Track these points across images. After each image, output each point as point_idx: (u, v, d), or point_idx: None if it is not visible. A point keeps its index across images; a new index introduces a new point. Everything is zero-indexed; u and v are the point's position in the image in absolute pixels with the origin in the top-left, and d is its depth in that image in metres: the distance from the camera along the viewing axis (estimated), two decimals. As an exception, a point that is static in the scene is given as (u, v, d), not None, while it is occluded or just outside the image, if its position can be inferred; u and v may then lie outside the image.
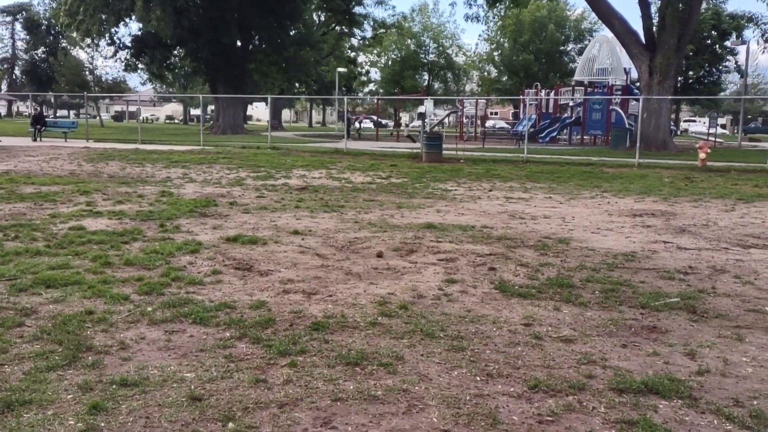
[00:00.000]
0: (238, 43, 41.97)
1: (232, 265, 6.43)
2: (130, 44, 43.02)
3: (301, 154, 23.51)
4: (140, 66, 45.62)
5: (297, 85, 55.27)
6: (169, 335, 4.46)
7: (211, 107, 67.61)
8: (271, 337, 4.44)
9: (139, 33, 41.70)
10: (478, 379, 3.85)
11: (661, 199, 12.63)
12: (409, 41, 68.33)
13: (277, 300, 5.31)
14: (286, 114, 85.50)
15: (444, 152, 21.90)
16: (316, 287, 5.73)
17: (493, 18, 55.31)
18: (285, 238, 7.90)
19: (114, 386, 3.62)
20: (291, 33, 42.75)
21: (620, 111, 34.54)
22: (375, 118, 53.78)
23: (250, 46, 43.22)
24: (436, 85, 70.30)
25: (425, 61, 69.71)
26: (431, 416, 3.36)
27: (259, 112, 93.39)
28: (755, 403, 3.59)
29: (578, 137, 37.44)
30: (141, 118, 42.84)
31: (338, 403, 3.48)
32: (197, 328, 4.60)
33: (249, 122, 71.78)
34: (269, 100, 30.60)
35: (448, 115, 45.71)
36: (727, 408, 3.51)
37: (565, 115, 38.91)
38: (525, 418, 3.38)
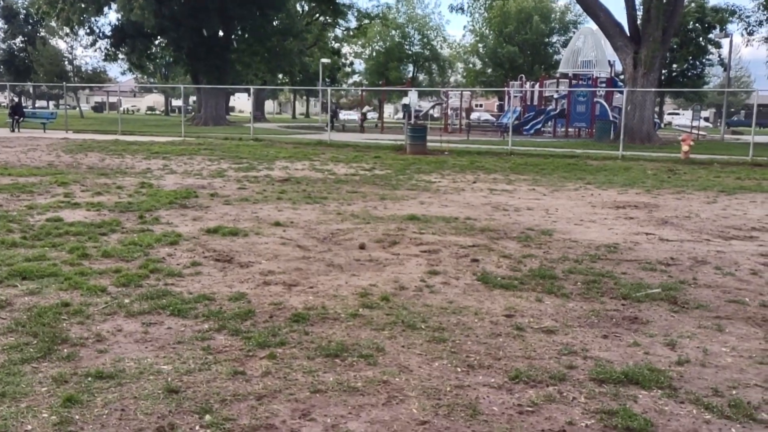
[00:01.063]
0: (220, 33, 41.57)
1: (212, 257, 6.36)
2: (109, 34, 42.47)
3: (284, 146, 23.38)
4: (120, 56, 45.08)
5: (280, 75, 54.96)
6: (147, 327, 4.39)
7: (192, 98, 67.12)
8: (251, 329, 4.39)
9: (119, 22, 41.18)
10: (459, 370, 3.83)
11: (644, 191, 12.68)
12: (393, 32, 68.14)
13: (257, 292, 5.25)
14: (270, 105, 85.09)
15: (428, 144, 21.86)
16: (297, 279, 5.68)
17: (479, 9, 55.28)
18: (266, 230, 7.83)
19: (89, 379, 3.56)
20: (274, 23, 42.40)
21: (604, 103, 34.68)
22: (367, 109, 53.44)
23: (233, 36, 42.84)
24: (421, 76, 70.20)
25: (410, 52, 69.60)
26: (411, 407, 3.34)
27: (241, 103, 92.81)
28: (734, 392, 3.59)
29: (563, 129, 37.57)
30: (121, 109, 42.40)
31: (317, 395, 3.44)
32: (175, 320, 4.54)
33: (231, 113, 71.35)
34: (252, 90, 30.40)
35: (433, 107, 45.69)
36: (706, 398, 3.51)
37: (550, 107, 39.01)
38: (505, 408, 3.36)
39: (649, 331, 4.59)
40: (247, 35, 43.01)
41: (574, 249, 7.21)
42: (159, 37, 42.39)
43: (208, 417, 3.16)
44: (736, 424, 3.23)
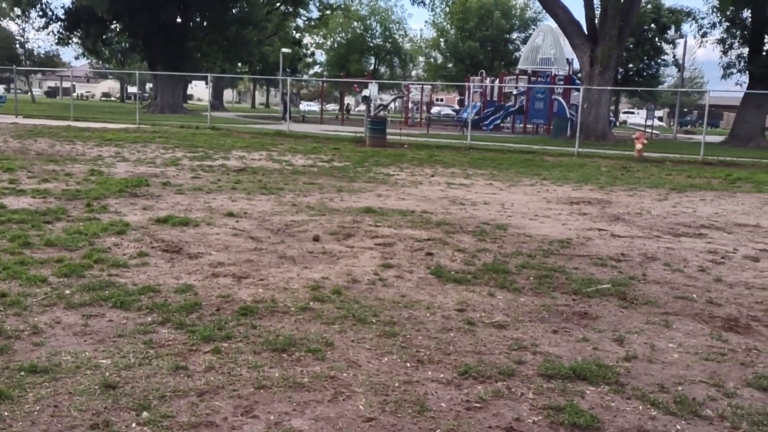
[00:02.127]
0: (178, 20, 40.70)
1: (160, 247, 6.19)
2: (63, 17, 41.21)
3: (242, 135, 23.04)
4: (74, 40, 43.81)
5: (239, 64, 54.14)
6: (87, 320, 4.23)
7: (149, 85, 65.73)
8: (196, 322, 4.26)
9: (72, 5, 39.98)
10: (408, 365, 3.78)
11: (597, 188, 12.85)
12: (355, 24, 67.76)
13: (204, 284, 5.12)
14: (229, 94, 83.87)
15: (388, 137, 21.80)
16: (248, 271, 5.56)
17: (440, 4, 55.34)
18: (218, 220, 7.66)
19: (22, 373, 3.40)
20: (233, 11, 41.71)
21: (562, 101, 35.10)
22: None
23: (191, 24, 42.00)
24: (382, 69, 70.00)
25: (372, 44, 69.30)
26: (358, 404, 3.27)
27: (199, 91, 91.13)
28: (680, 389, 3.62)
29: (521, 125, 37.91)
30: (75, 94, 41.26)
31: (261, 391, 3.35)
32: (117, 313, 4.38)
33: (189, 102, 70.13)
34: (210, 79, 29.88)
35: (393, 100, 45.61)
36: (652, 394, 3.53)
37: (509, 103, 39.30)
38: (453, 404, 3.32)
39: (599, 326, 4.61)
40: (205, 23, 42.20)
41: (528, 244, 7.24)
42: (115, 23, 41.29)
43: (145, 414, 3.04)
44: (681, 420, 3.25)
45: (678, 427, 3.18)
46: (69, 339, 3.92)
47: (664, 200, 11.48)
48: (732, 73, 34.55)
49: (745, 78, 33.85)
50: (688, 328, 4.67)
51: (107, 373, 3.44)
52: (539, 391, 3.51)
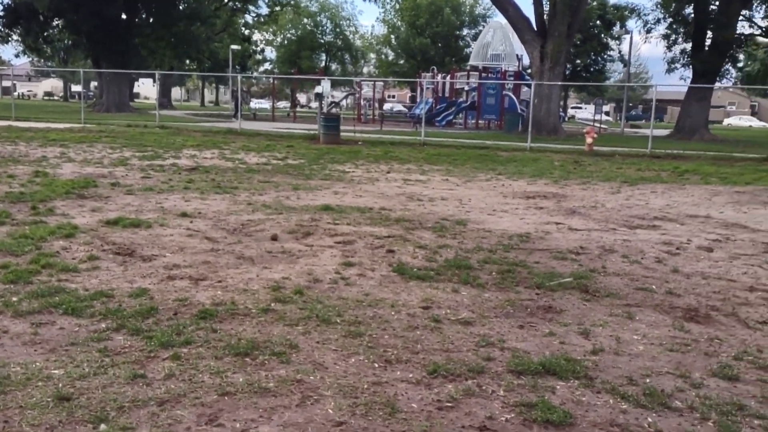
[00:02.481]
0: (123, 16, 39.63)
1: (112, 250, 5.95)
2: (1, 13, 39.70)
3: (192, 134, 22.58)
4: (14, 38, 42.27)
5: (188, 61, 53.10)
6: (36, 328, 4.01)
7: (94, 83, 63.95)
8: (153, 327, 4.09)
9: (11, 1, 38.54)
10: (376, 365, 3.69)
11: (552, 182, 12.98)
12: (305, 20, 67.24)
13: (160, 287, 4.93)
14: (177, 92, 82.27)
15: (342, 134, 21.65)
16: (205, 273, 5.38)
17: (390, 0, 55.36)
18: (172, 221, 7.44)
19: (-33, 388, 3.19)
20: (181, 7, 40.84)
21: (513, 96, 35.47)
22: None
23: (137, 20, 40.96)
24: (334, 66, 69.68)
25: (322, 41, 68.90)
26: (326, 407, 3.17)
27: (146, 89, 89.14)
28: (648, 381, 3.62)
29: (473, 121, 38.18)
30: (16, 93, 39.83)
31: (225, 398, 3.21)
32: (69, 320, 4.18)
33: (136, 100, 68.54)
34: (157, 76, 29.22)
35: (346, 97, 45.48)
36: (622, 387, 3.53)
37: (461, 99, 39.55)
38: (424, 405, 3.25)
39: (563, 320, 4.61)
40: (152, 19, 41.20)
41: (488, 239, 7.23)
42: (57, 19, 39.95)
43: (103, 426, 2.88)
44: (652, 413, 3.25)
45: (649, 419, 3.18)
46: (18, 349, 3.71)
47: (617, 193, 11.66)
48: (676, 68, 35.49)
49: (688, 73, 34.83)
50: (651, 319, 4.71)
51: (60, 385, 3.26)
52: (510, 387, 3.47)
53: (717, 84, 36.44)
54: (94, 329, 4.03)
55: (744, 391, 3.55)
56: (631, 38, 44.59)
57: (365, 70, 76.01)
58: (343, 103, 41.61)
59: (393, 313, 4.60)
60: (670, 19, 34.93)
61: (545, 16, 28.73)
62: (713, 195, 11.72)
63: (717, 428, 3.11)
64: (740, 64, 39.93)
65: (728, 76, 38.34)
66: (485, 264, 6.05)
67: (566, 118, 50.89)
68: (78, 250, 5.91)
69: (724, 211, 9.86)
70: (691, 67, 33.71)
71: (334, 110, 26.61)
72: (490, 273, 5.75)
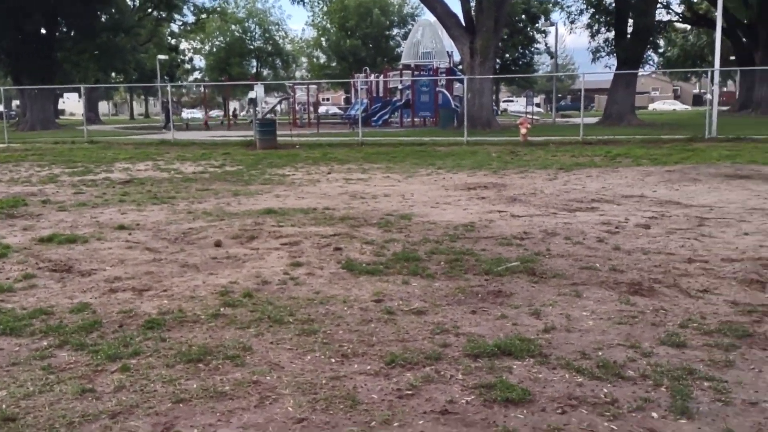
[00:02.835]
0: (43, 31, 38.26)
1: (48, 267, 5.72)
2: None
3: (124, 147, 21.98)
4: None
5: (114, 74, 51.65)
6: (-28, 352, 3.81)
7: (16, 102, 61.54)
8: (98, 341, 3.94)
9: None
10: (333, 361, 3.65)
11: (491, 173, 13.16)
12: (233, 27, 66.31)
13: (102, 301, 4.76)
14: (104, 106, 79.91)
15: (279, 138, 21.45)
16: (149, 283, 5.23)
17: (319, 3, 55.19)
18: (109, 234, 7.20)
19: None
20: (102, 18, 39.69)
21: (446, 92, 35.83)
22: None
23: (57, 34, 39.60)
24: (266, 71, 68.98)
25: (252, 47, 68.10)
26: (286, 406, 3.11)
27: (72, 105, 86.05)
28: (600, 353, 3.70)
29: (409, 119, 38.42)
30: (-68, 115, 37.88)
31: (181, 405, 3.12)
32: (7, 340, 3.98)
33: (62, 117, 66.30)
34: (82, 90, 28.32)
35: (279, 102, 45.03)
36: (576, 361, 3.59)
37: (396, 98, 39.72)
38: (384, 395, 3.23)
39: (514, 302, 4.66)
40: (73, 32, 39.90)
41: (434, 230, 7.27)
42: (-29, 35, 38.24)
43: (53, 445, 2.76)
44: (607, 383, 3.31)
45: (605, 390, 3.24)
46: (-47, 375, 3.51)
47: (555, 179, 11.91)
48: (601, 57, 36.65)
49: (613, 61, 36.01)
50: (597, 295, 4.81)
51: (4, 405, 3.10)
52: (468, 371, 3.48)
53: (640, 71, 37.71)
54: (36, 347, 3.86)
55: (692, 356, 3.66)
56: (557, 30, 45.85)
57: (297, 74, 75.54)
58: (278, 108, 41.20)
59: (345, 308, 4.56)
60: (593, 10, 35.98)
61: (473, 12, 29.15)
62: (645, 176, 12.11)
63: (670, 393, 3.19)
64: (661, 50, 41.49)
65: (651, 62, 39.80)
66: (433, 255, 6.08)
67: (499, 112, 51.82)
68: (12, 270, 5.65)
69: (657, 190, 10.20)
70: (615, 55, 34.81)
71: (269, 116, 26.31)
72: (438, 263, 5.78)
